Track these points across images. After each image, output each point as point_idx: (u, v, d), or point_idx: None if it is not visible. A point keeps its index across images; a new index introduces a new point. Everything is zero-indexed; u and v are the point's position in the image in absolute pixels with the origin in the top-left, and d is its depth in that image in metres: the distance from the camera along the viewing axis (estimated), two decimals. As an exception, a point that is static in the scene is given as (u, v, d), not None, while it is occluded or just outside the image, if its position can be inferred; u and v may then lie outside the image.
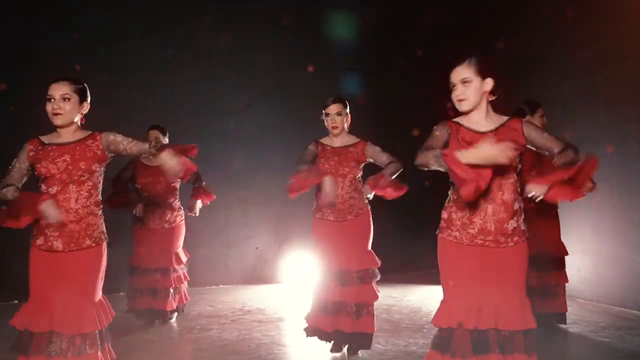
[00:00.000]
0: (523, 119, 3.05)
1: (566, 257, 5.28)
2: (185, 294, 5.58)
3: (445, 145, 2.97)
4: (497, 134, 2.95)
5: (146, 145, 3.24)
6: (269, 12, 7.47)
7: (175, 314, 5.56)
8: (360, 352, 4.47)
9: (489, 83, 2.96)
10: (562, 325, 5.25)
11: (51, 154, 3.16)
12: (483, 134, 2.96)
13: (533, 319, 2.97)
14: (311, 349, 4.53)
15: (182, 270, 5.49)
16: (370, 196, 4.40)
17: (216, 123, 7.17)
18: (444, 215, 3.06)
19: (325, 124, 4.39)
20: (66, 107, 3.16)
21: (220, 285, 7.32)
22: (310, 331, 4.42)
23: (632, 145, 5.88)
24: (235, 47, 7.35)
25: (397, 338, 4.93)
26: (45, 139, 3.23)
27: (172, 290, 5.36)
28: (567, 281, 5.20)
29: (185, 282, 5.58)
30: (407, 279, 7.28)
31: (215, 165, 6.94)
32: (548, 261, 5.12)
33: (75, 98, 3.18)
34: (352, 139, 4.42)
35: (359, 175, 4.45)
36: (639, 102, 5.79)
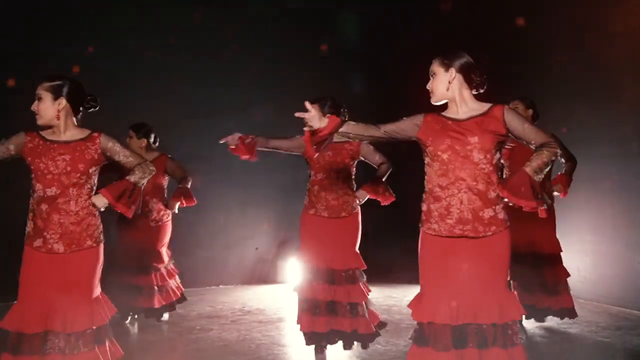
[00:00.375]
0: (505, 106, 3.01)
1: (567, 258, 5.29)
2: (173, 291, 5.48)
3: (411, 133, 3.06)
4: (477, 122, 2.96)
5: (135, 163, 3.28)
6: (269, 11, 7.47)
7: (167, 314, 5.50)
8: (360, 352, 4.47)
9: (452, 74, 3.01)
10: (562, 326, 5.25)
11: (52, 151, 3.17)
12: (460, 121, 2.99)
13: (516, 311, 2.92)
14: (311, 349, 4.52)
15: (164, 268, 5.44)
16: (363, 200, 4.44)
17: (216, 123, 7.16)
18: (423, 207, 3.07)
19: None
20: (40, 106, 3.19)
21: (220, 286, 7.32)
22: (308, 337, 4.38)
23: (632, 145, 5.88)
24: (235, 47, 7.35)
25: (397, 338, 4.93)
26: (46, 134, 3.24)
27: (156, 289, 5.29)
28: (568, 276, 5.20)
29: (172, 280, 5.50)
30: (407, 279, 7.26)
31: (215, 165, 6.93)
32: (542, 258, 5.13)
33: (47, 96, 3.18)
34: None
35: (354, 172, 4.45)
36: (639, 101, 5.79)
